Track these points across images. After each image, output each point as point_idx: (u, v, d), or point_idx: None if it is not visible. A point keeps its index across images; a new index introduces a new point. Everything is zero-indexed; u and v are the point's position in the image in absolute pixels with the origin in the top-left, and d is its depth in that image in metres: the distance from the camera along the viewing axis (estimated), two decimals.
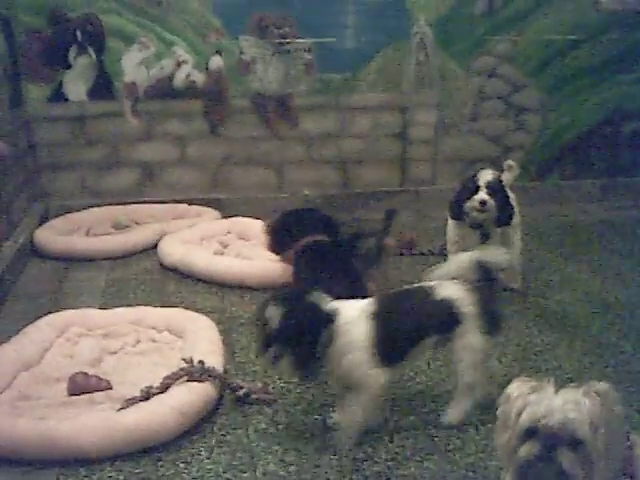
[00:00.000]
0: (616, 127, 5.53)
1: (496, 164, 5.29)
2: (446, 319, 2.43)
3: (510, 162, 3.93)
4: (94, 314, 3.39)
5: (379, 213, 5.03)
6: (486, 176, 3.45)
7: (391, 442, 2.47)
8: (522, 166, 5.37)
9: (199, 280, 3.95)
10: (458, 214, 3.55)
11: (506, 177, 3.79)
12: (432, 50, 5.10)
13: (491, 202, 3.41)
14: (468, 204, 3.46)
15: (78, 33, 4.75)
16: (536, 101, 5.37)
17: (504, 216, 3.52)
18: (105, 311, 3.44)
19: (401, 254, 4.28)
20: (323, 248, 3.62)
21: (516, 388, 1.82)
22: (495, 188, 3.45)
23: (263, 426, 2.57)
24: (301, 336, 2.28)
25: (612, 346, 3.18)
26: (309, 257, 3.58)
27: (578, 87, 5.39)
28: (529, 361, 3.05)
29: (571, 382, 1.79)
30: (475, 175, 3.50)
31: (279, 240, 3.76)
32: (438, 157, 5.33)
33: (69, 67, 4.82)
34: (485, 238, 3.53)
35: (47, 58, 4.78)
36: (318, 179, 5.13)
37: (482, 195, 3.41)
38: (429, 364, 2.96)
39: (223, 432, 2.54)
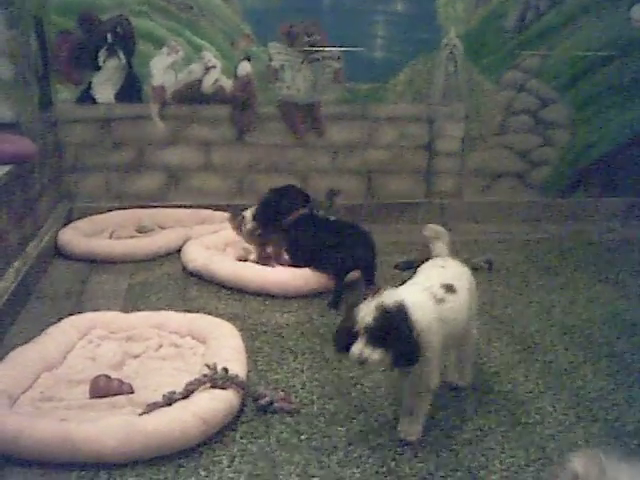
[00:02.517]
0: None
1: (520, 177, 5.37)
2: None
3: (431, 227, 2.92)
4: (117, 317, 3.38)
5: (403, 225, 5.11)
6: (366, 317, 2.24)
7: (416, 457, 2.45)
8: (548, 182, 5.41)
9: (222, 286, 3.94)
10: (343, 350, 2.36)
11: (437, 248, 2.89)
12: (461, 63, 5.08)
13: (373, 357, 2.24)
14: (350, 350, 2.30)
15: (108, 35, 4.77)
16: (564, 117, 5.33)
17: (402, 359, 2.31)
18: (128, 314, 3.42)
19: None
20: (315, 220, 3.93)
21: (583, 466, 1.61)
22: (379, 333, 2.24)
23: (285, 436, 2.55)
24: None
25: (638, 368, 3.12)
26: (303, 229, 3.87)
27: (607, 104, 5.34)
28: (554, 379, 3.01)
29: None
30: (355, 310, 2.30)
31: (269, 217, 4.03)
32: (464, 170, 5.30)
33: (98, 69, 4.83)
34: None
35: (77, 59, 4.80)
36: (342, 188, 5.10)
37: (358, 348, 2.25)
38: None
39: (245, 441, 2.52)
